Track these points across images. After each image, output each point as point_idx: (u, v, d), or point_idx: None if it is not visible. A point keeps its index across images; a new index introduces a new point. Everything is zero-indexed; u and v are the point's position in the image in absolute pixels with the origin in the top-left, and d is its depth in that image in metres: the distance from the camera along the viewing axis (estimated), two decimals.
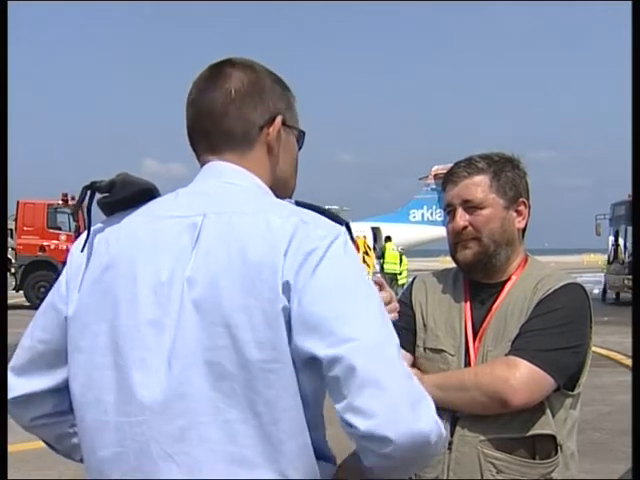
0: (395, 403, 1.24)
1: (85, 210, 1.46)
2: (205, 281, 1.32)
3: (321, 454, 1.36)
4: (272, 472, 1.30)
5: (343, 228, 1.37)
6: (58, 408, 1.53)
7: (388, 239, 23.54)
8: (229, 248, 1.32)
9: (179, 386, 1.31)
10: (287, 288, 1.29)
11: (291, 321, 1.28)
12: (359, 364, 1.24)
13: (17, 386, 1.52)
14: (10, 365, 1.54)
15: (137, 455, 1.35)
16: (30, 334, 1.52)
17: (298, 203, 1.43)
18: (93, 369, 1.40)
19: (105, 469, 1.39)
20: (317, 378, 1.31)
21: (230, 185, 1.44)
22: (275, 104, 1.50)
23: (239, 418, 1.29)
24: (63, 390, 1.49)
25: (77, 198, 1.48)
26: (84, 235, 1.47)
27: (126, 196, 1.45)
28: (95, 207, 1.46)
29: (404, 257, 23.34)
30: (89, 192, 1.45)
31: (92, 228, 1.46)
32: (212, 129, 1.47)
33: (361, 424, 1.23)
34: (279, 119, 1.49)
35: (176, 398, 1.31)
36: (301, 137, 1.57)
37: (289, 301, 1.28)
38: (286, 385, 1.29)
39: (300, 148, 1.58)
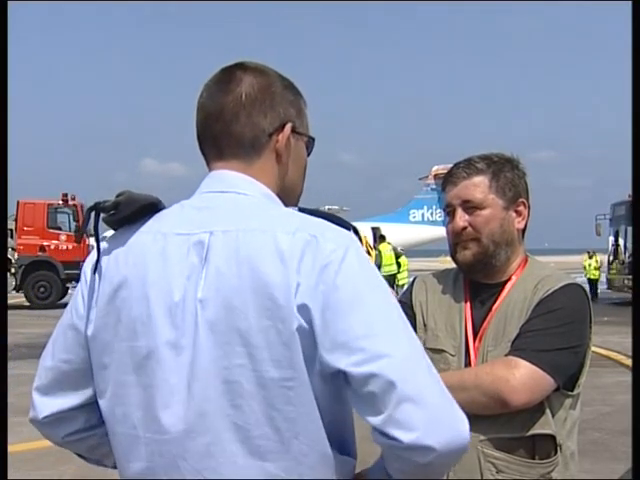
0: (434, 413, 1.27)
1: (93, 230, 1.47)
2: (218, 302, 1.33)
3: (345, 449, 1.39)
4: None
5: (351, 234, 1.38)
6: (89, 423, 1.54)
7: (382, 239, 23.05)
8: (239, 268, 1.33)
9: (199, 405, 1.33)
10: (304, 307, 1.29)
11: (316, 338, 1.29)
12: (396, 379, 1.25)
13: (46, 405, 1.52)
14: (35, 385, 1.54)
15: (166, 470, 1.37)
16: (51, 354, 1.52)
17: (302, 210, 1.43)
18: (119, 386, 1.41)
19: None
20: (340, 386, 1.32)
21: (236, 195, 1.44)
22: (286, 111, 1.49)
23: (260, 435, 1.32)
24: (92, 404, 1.50)
25: (82, 222, 1.48)
26: (94, 255, 1.48)
27: (132, 212, 1.44)
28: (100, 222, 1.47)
29: (404, 257, 23.24)
30: (94, 213, 1.45)
31: (101, 247, 1.47)
32: (221, 133, 1.47)
33: (404, 437, 1.24)
34: (289, 126, 1.48)
35: (197, 417, 1.33)
36: (311, 143, 1.56)
37: (308, 321, 1.29)
38: (304, 401, 1.31)
39: (309, 154, 1.57)
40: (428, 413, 1.26)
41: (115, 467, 1.57)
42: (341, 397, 1.34)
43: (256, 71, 1.50)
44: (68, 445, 1.59)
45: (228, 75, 1.49)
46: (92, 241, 1.54)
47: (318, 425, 1.33)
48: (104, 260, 1.46)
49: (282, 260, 1.31)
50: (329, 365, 1.28)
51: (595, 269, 24.72)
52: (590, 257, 25.24)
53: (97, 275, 1.45)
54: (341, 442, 1.38)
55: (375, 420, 1.27)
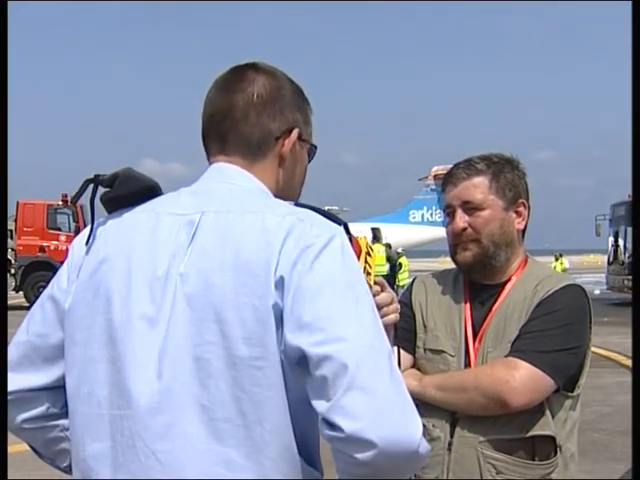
0: (383, 407, 1.21)
1: (88, 204, 1.46)
2: (198, 277, 1.32)
3: (311, 461, 1.35)
4: (254, 474, 1.28)
5: (340, 228, 1.37)
6: (52, 410, 1.49)
7: (377, 239, 22.74)
8: (224, 245, 1.33)
9: (166, 382, 1.30)
10: (281, 284, 1.28)
11: (283, 317, 1.28)
12: (350, 364, 1.21)
13: (11, 381, 1.47)
14: None
15: (124, 450, 1.33)
16: (26, 329, 1.49)
17: (298, 204, 1.43)
18: (87, 362, 1.39)
19: (93, 464, 1.37)
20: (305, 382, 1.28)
21: (232, 186, 1.44)
22: (294, 116, 1.49)
23: (224, 417, 1.29)
24: (58, 389, 1.46)
25: (77, 190, 1.46)
26: (87, 228, 1.47)
27: (128, 192, 1.44)
28: (97, 203, 1.46)
29: (405, 258, 23.20)
30: (92, 185, 1.45)
31: (95, 222, 1.46)
32: (228, 131, 1.46)
33: (346, 425, 1.20)
34: (296, 132, 1.49)
35: (163, 394, 1.31)
36: (313, 151, 1.57)
37: (282, 298, 1.28)
38: (272, 383, 1.28)
39: (310, 161, 1.57)
40: (376, 405, 1.21)
41: (66, 470, 1.53)
42: (307, 398, 1.29)
43: (268, 73, 1.50)
44: (25, 433, 1.52)
45: (240, 74, 1.49)
46: None
47: (284, 413, 1.29)
48: (97, 235, 1.45)
49: (267, 238, 1.31)
50: (291, 345, 1.26)
51: (562, 272, 24.27)
52: (556, 259, 24.67)
53: (86, 249, 1.45)
54: (307, 454, 1.34)
55: (322, 406, 1.22)
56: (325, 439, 1.26)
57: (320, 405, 1.23)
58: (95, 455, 1.37)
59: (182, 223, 1.38)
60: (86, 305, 1.41)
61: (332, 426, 1.22)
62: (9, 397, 1.48)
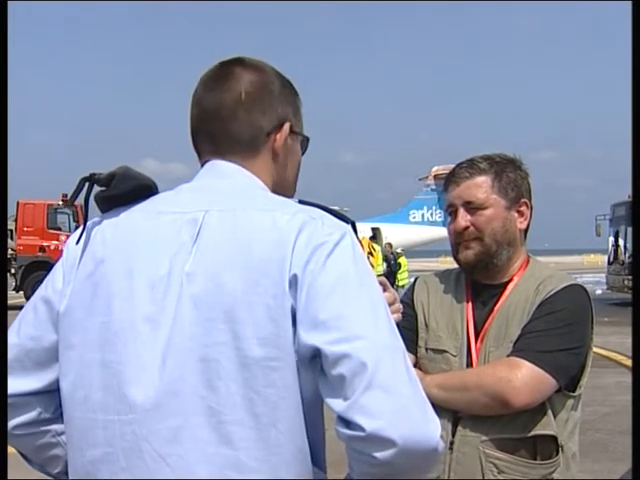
0: (403, 406, 1.20)
1: (83, 202, 1.41)
2: (206, 276, 1.28)
3: (316, 461, 1.32)
4: (266, 475, 1.25)
5: (349, 226, 1.36)
6: (43, 415, 1.44)
7: (373, 238, 22.41)
8: (233, 244, 1.29)
9: (172, 384, 1.26)
10: (294, 282, 1.25)
11: (297, 315, 1.25)
12: (369, 363, 1.19)
13: None
14: None
15: (127, 455, 1.29)
16: (17, 331, 1.43)
17: (302, 202, 1.40)
18: (83, 366, 1.34)
19: (92, 470, 1.33)
20: (317, 377, 1.26)
21: (232, 183, 1.41)
22: (284, 110, 1.47)
23: (235, 419, 1.25)
24: (50, 394, 1.42)
25: (74, 190, 1.41)
26: (80, 228, 1.43)
27: (124, 191, 1.40)
28: (91, 202, 1.43)
29: (404, 258, 23.18)
30: (87, 184, 1.41)
31: (89, 221, 1.42)
32: (218, 132, 1.44)
33: (366, 424, 1.17)
34: (287, 126, 1.47)
35: (168, 396, 1.26)
36: (305, 143, 1.54)
37: (295, 297, 1.25)
38: (287, 384, 1.25)
39: (303, 153, 1.55)
40: (396, 404, 1.19)
41: (57, 476, 1.50)
42: (319, 398, 1.27)
43: (255, 68, 1.47)
44: (17, 440, 1.47)
45: (226, 71, 1.46)
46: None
47: (298, 414, 1.26)
48: (92, 234, 1.41)
49: (279, 236, 1.28)
50: (305, 344, 1.23)
51: None
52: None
53: (81, 249, 1.40)
54: (313, 454, 1.31)
55: (340, 405, 1.20)
56: (341, 438, 1.23)
57: (337, 404, 1.21)
58: (93, 462, 1.33)
59: (183, 221, 1.34)
60: (84, 307, 1.35)
61: (351, 425, 1.20)
62: None
